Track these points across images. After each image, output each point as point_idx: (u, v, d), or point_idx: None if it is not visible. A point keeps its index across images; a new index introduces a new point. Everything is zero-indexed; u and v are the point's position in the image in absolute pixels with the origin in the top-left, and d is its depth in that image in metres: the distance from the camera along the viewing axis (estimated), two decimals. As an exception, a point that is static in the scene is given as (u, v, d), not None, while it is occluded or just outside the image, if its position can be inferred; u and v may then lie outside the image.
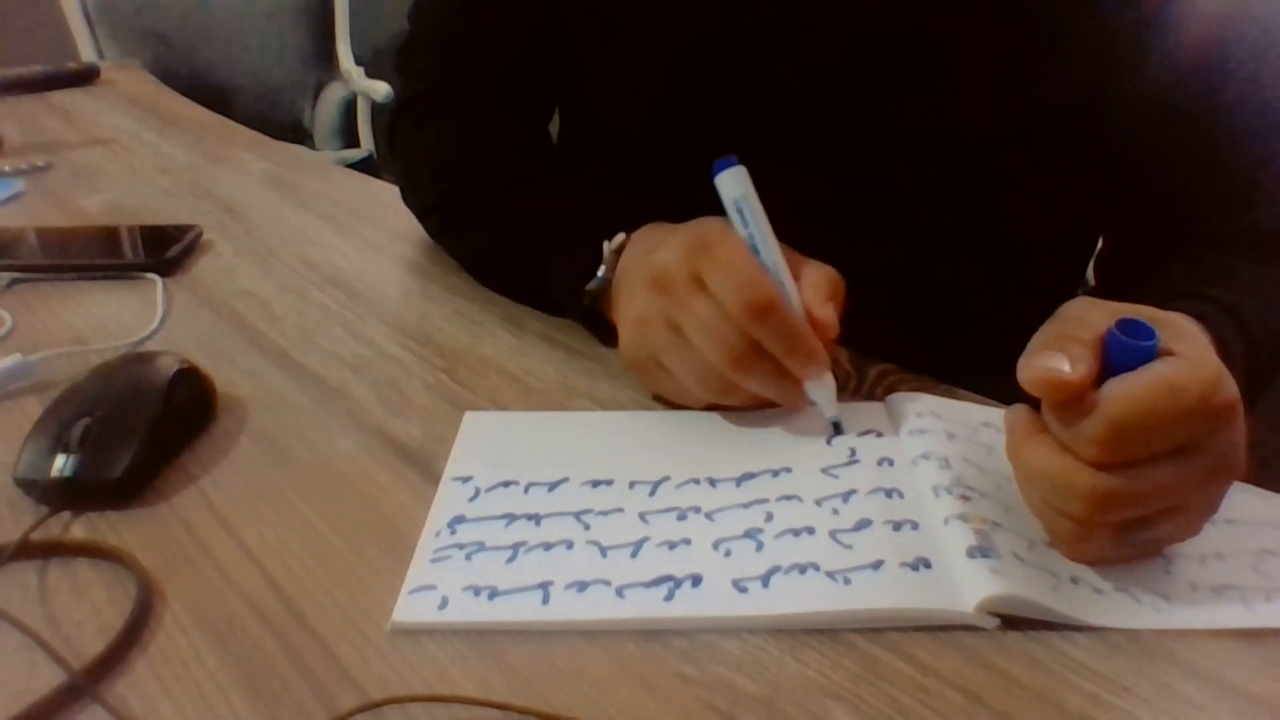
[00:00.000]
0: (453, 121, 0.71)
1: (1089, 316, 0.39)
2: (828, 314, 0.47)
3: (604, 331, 0.58)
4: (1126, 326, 0.38)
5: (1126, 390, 0.36)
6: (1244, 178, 0.58)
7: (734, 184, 0.48)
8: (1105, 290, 0.70)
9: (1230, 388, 0.36)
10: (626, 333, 0.51)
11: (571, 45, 0.68)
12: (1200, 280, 0.54)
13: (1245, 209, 0.58)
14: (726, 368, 0.46)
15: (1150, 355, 0.37)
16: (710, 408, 0.51)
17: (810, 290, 0.48)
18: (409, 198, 0.74)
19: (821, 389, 0.48)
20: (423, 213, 0.72)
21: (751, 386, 0.47)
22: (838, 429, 0.48)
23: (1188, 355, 0.37)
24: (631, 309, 0.50)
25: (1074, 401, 0.37)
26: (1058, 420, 0.38)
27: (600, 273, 0.55)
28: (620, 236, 0.56)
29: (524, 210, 0.63)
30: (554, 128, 0.78)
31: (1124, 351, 0.37)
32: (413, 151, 0.73)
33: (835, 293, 0.48)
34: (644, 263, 0.50)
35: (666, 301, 0.47)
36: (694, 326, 0.46)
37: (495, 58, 0.70)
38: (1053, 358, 0.37)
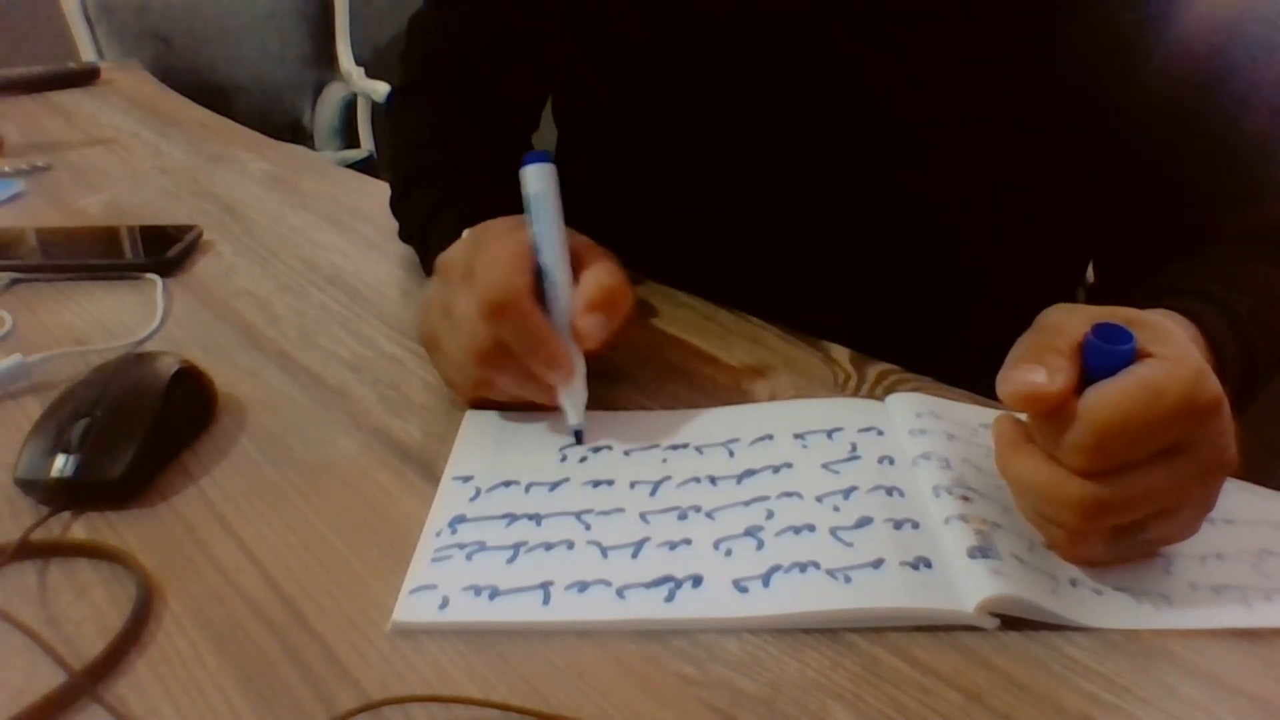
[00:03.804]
0: (420, 113, 0.75)
1: (1066, 324, 0.39)
2: (586, 323, 0.47)
3: None
4: (1103, 331, 0.37)
5: (1106, 397, 0.36)
6: (1244, 172, 0.58)
7: (532, 180, 0.50)
8: (1104, 287, 0.70)
9: (1212, 385, 0.36)
10: (418, 312, 0.52)
11: (556, 49, 0.69)
12: (1196, 277, 0.54)
13: (1245, 203, 0.58)
14: (470, 361, 0.47)
15: (1128, 359, 0.37)
16: (481, 403, 0.51)
17: (579, 296, 0.48)
18: None
19: (566, 395, 0.48)
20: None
21: (499, 383, 0.48)
22: (579, 438, 0.48)
23: (1167, 355, 0.37)
24: (426, 292, 0.52)
25: (1056, 412, 0.37)
26: (1041, 432, 0.38)
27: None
28: (480, 225, 0.56)
29: (428, 196, 0.66)
30: (554, 133, 0.78)
31: (1102, 357, 0.37)
32: (389, 139, 0.76)
33: (606, 302, 0.48)
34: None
35: (444, 288, 0.49)
36: (455, 316, 0.48)
37: (470, 54, 0.73)
38: (1031, 370, 0.37)
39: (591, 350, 0.48)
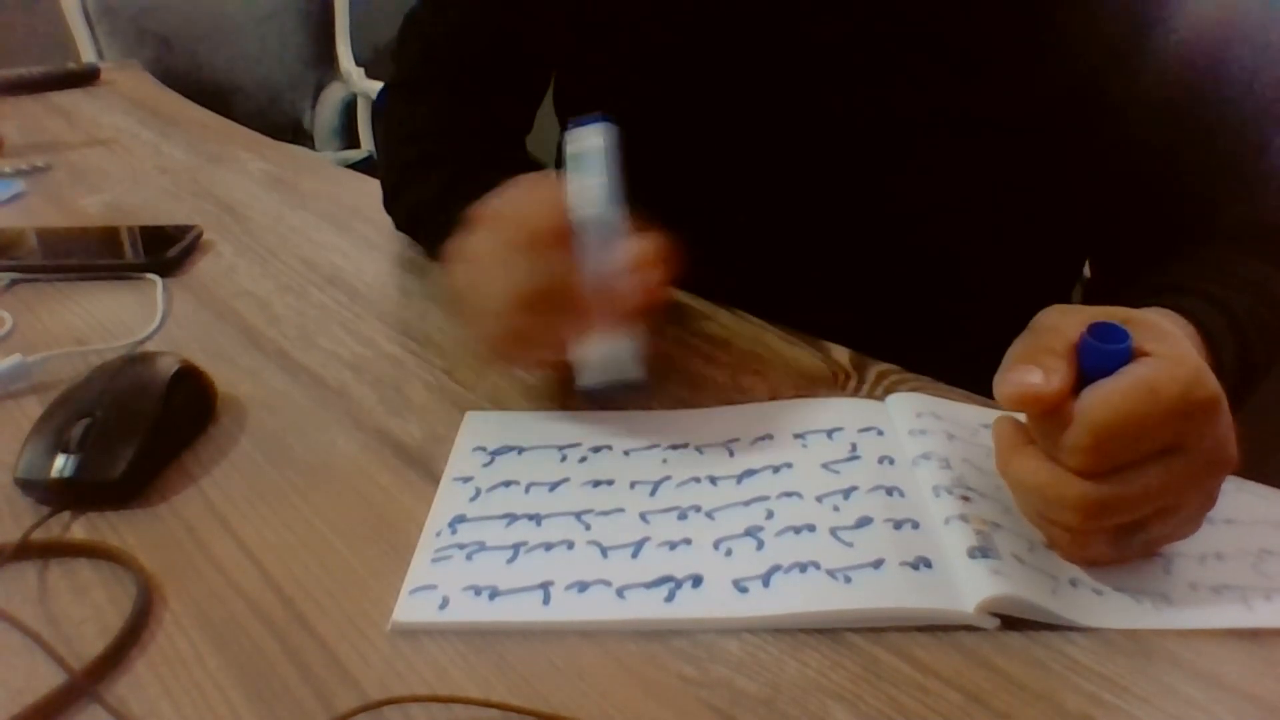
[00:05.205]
0: (418, 108, 0.75)
1: (1061, 325, 0.39)
2: (631, 280, 0.46)
3: None
4: (1099, 331, 0.37)
5: (1104, 396, 0.36)
6: (1239, 168, 0.58)
7: (597, 135, 0.49)
8: (1101, 283, 0.70)
9: (1209, 383, 0.36)
10: (457, 268, 0.51)
11: (554, 44, 0.69)
12: (1191, 275, 0.54)
13: (1239, 200, 0.58)
14: (505, 301, 0.46)
15: (1125, 358, 0.37)
16: (510, 358, 0.51)
17: (626, 254, 0.47)
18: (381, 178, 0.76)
19: (590, 348, 0.48)
20: (382, 189, 0.75)
21: (529, 328, 0.47)
22: (589, 399, 0.48)
23: (1163, 354, 0.37)
24: (465, 246, 0.50)
25: (1054, 412, 0.37)
26: (1040, 433, 0.38)
27: (452, 231, 0.54)
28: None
29: (439, 178, 0.66)
30: (549, 132, 0.78)
31: (1098, 357, 0.37)
32: (380, 135, 0.77)
33: (648, 265, 0.47)
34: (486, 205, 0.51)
35: (478, 236, 0.49)
36: (492, 259, 0.47)
37: (467, 52, 0.73)
38: (1027, 372, 0.37)
39: (629, 311, 0.47)
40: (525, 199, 0.48)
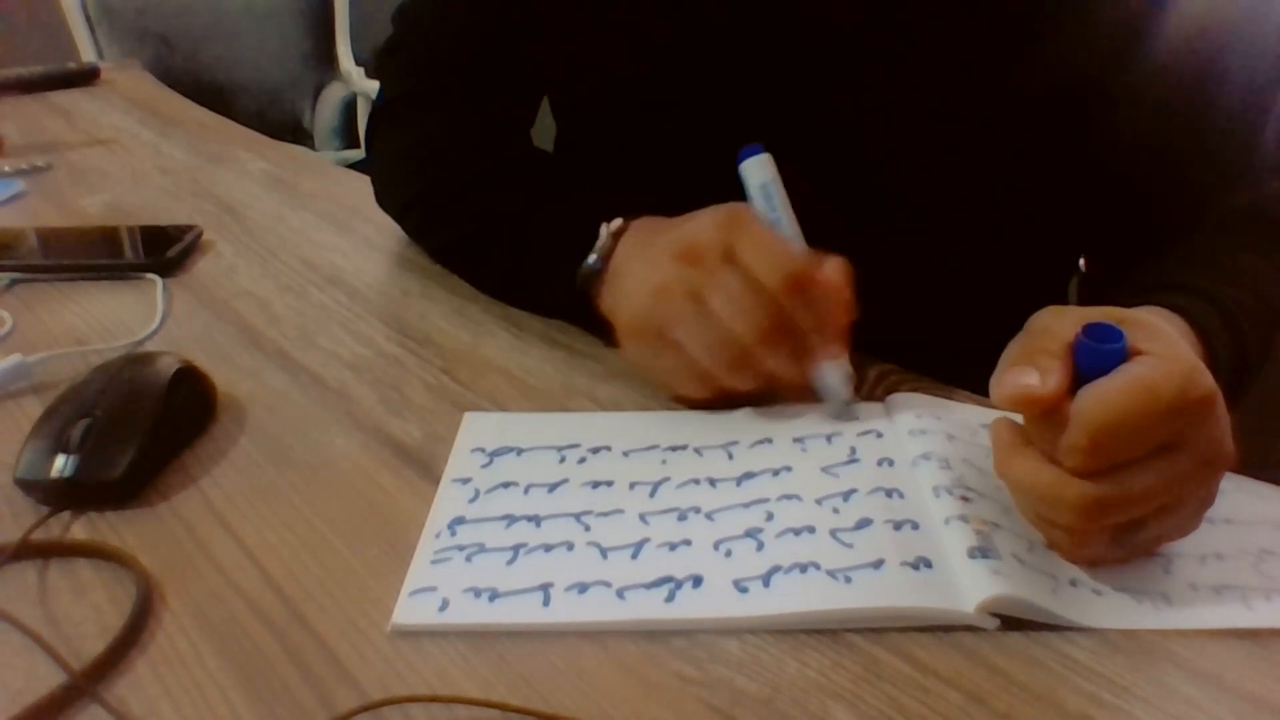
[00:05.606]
0: (432, 121, 0.72)
1: (1056, 326, 0.39)
2: (849, 296, 0.48)
3: (587, 318, 0.58)
4: (1094, 331, 0.38)
5: (1099, 396, 0.36)
6: (1231, 161, 0.58)
7: (762, 170, 0.50)
8: (1096, 276, 0.70)
9: (1204, 380, 0.36)
10: (640, 301, 0.50)
11: (556, 43, 0.68)
12: (1184, 271, 0.54)
13: (1231, 192, 0.58)
14: (752, 341, 0.46)
15: (1120, 357, 0.37)
16: (695, 404, 0.51)
17: (830, 274, 0.48)
18: (386, 197, 0.74)
19: (838, 370, 0.49)
20: (401, 210, 0.73)
21: (772, 364, 0.47)
22: (849, 413, 0.49)
23: (1158, 352, 0.37)
24: (651, 278, 0.49)
25: (1051, 413, 0.37)
26: (1038, 434, 0.38)
27: (593, 258, 0.55)
28: (618, 221, 0.56)
29: (505, 198, 0.64)
30: (551, 131, 0.78)
31: (1093, 357, 0.37)
32: (392, 151, 0.73)
33: (850, 280, 0.49)
34: (667, 236, 0.50)
35: (694, 272, 0.47)
36: (723, 299, 0.46)
37: (475, 59, 0.71)
38: (1023, 373, 0.37)
39: (850, 322, 0.49)
40: (753, 237, 0.47)
